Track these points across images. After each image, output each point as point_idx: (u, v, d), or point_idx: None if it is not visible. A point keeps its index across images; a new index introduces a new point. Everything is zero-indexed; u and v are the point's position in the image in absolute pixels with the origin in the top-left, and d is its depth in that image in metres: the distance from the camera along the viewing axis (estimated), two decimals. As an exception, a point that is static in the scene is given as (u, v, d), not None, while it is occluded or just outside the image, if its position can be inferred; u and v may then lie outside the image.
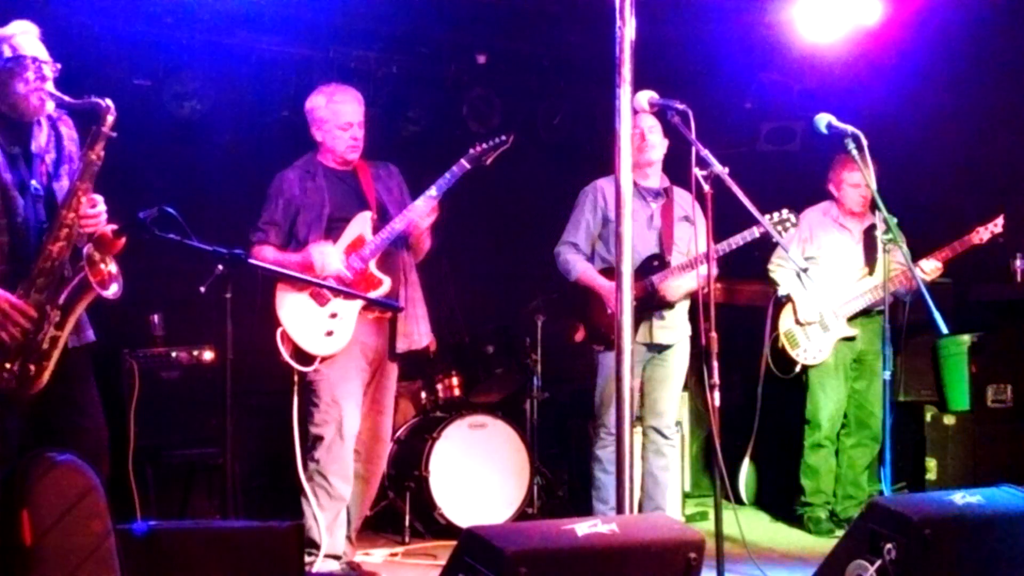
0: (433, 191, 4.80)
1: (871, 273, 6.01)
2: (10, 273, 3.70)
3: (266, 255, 4.82)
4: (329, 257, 4.75)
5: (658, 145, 5.40)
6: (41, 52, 3.80)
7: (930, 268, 5.70)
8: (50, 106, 3.81)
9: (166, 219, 3.78)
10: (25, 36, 3.80)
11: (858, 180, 5.98)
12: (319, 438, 4.81)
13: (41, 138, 3.87)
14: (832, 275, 6.01)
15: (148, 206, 3.95)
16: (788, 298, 6.08)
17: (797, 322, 6.04)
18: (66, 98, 3.76)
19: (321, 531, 4.75)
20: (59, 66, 3.81)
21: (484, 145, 4.86)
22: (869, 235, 6.06)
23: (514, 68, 7.04)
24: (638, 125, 5.35)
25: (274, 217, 4.90)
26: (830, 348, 6.01)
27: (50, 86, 3.76)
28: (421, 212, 4.81)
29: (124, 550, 3.01)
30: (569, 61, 6.93)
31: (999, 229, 5.73)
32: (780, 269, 6.14)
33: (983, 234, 5.75)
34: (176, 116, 6.22)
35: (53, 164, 3.87)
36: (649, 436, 5.56)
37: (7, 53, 3.76)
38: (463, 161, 4.83)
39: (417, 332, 5.01)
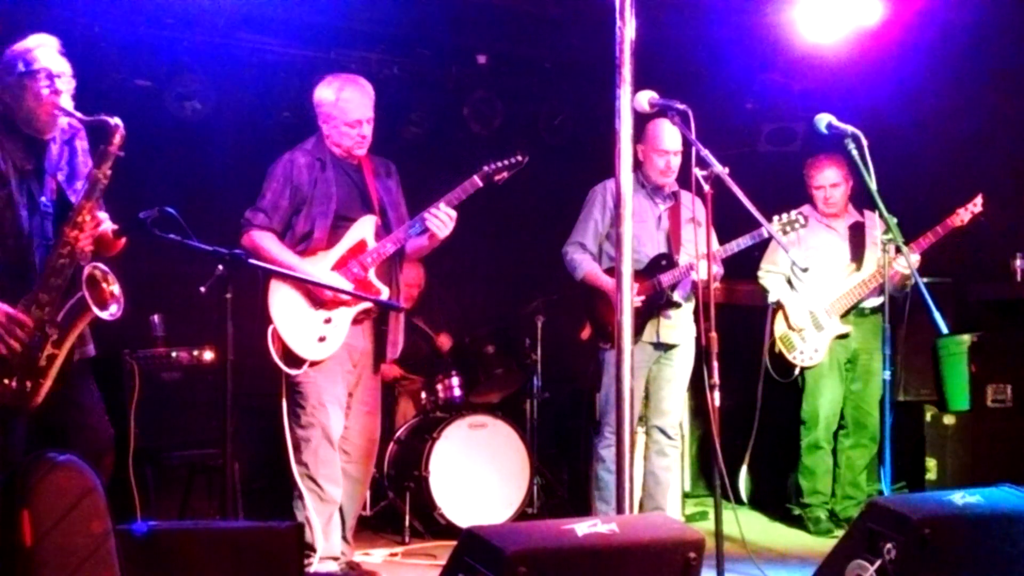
0: (442, 206, 4.71)
1: (858, 269, 6.03)
2: (14, 289, 3.71)
3: (267, 245, 4.70)
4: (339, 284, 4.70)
5: (678, 167, 5.44)
6: (57, 66, 3.79)
7: (912, 260, 5.66)
8: (63, 121, 3.81)
9: (167, 220, 3.79)
10: (42, 50, 3.79)
11: (821, 183, 6.03)
12: (305, 441, 4.75)
13: (55, 155, 3.87)
14: (821, 274, 6.02)
15: (149, 207, 3.96)
16: (779, 304, 6.10)
17: (790, 327, 6.05)
18: (77, 114, 3.77)
19: (316, 534, 4.73)
20: (74, 82, 3.81)
21: (498, 164, 4.78)
22: (855, 231, 6.09)
23: (515, 70, 7.05)
24: (665, 151, 5.37)
25: (279, 202, 4.76)
26: (825, 347, 6.02)
27: (64, 101, 3.76)
28: (442, 226, 4.72)
29: (124, 550, 3.01)
30: (570, 63, 6.94)
31: (979, 209, 5.71)
32: (769, 275, 6.16)
33: (963, 215, 5.72)
34: (177, 117, 6.23)
35: (66, 179, 3.87)
36: (652, 435, 5.56)
37: (21, 67, 3.76)
38: (476, 179, 4.75)
39: (400, 340, 4.99)
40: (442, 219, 4.71)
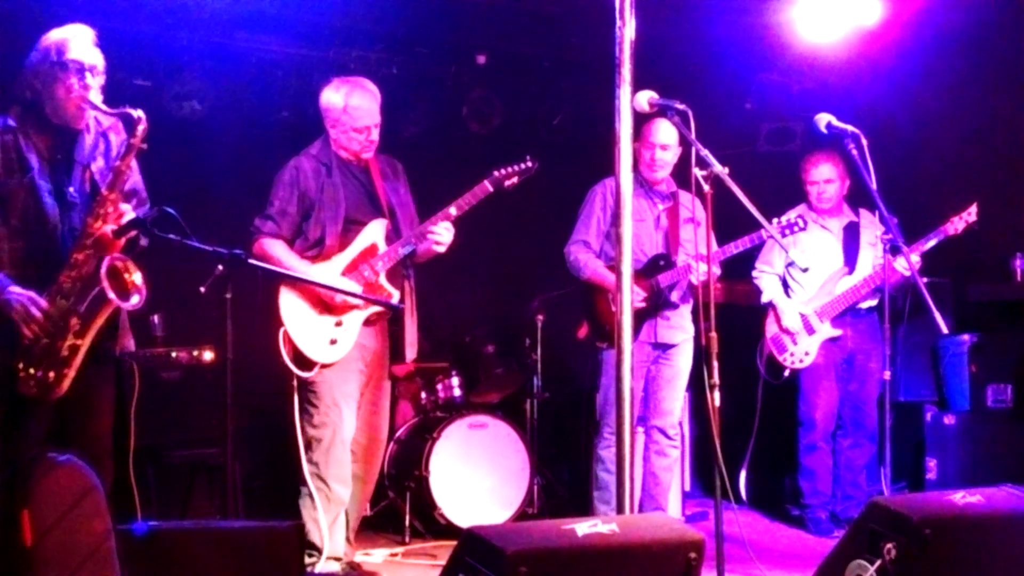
0: (453, 210, 4.73)
1: (851, 271, 6.02)
2: (41, 277, 3.72)
3: (277, 252, 4.73)
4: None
5: (669, 163, 5.43)
6: (89, 58, 3.79)
7: (913, 260, 5.63)
8: (90, 114, 3.81)
9: (166, 219, 3.79)
10: (76, 41, 3.80)
11: (816, 178, 6.03)
12: (317, 440, 4.76)
13: (87, 146, 3.87)
14: (815, 276, 6.02)
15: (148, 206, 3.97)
16: (771, 305, 6.09)
17: (781, 329, 6.04)
18: (101, 107, 3.77)
19: (323, 534, 4.74)
20: (104, 76, 3.82)
21: (508, 170, 4.80)
22: (849, 232, 6.08)
23: (514, 69, 7.04)
24: (652, 144, 5.38)
25: (287, 208, 4.78)
26: (816, 350, 6.01)
27: (93, 95, 3.76)
28: (444, 235, 4.74)
29: (125, 550, 3.01)
30: (569, 62, 6.93)
31: (973, 218, 5.69)
32: (764, 276, 6.15)
33: (958, 224, 5.71)
34: (176, 116, 6.22)
35: (100, 173, 3.87)
36: (652, 436, 5.57)
37: (53, 56, 3.77)
38: (486, 184, 4.77)
39: (416, 341, 5.00)
40: (441, 234, 4.74)
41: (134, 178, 3.99)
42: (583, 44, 6.55)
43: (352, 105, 4.79)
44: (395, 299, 4.77)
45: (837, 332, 5.99)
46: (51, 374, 3.68)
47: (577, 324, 5.68)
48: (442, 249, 4.79)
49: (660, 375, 5.51)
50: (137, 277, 3.74)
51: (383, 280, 4.78)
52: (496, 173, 4.80)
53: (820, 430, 6.09)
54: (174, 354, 5.56)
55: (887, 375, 4.87)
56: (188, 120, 6.25)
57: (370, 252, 4.79)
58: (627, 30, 3.87)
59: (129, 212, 3.79)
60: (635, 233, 5.25)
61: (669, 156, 5.42)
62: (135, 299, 3.74)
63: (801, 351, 6.02)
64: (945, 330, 4.77)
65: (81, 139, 3.86)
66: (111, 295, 3.67)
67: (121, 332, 3.96)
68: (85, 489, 2.98)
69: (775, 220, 5.25)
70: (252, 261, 4.11)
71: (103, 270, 3.67)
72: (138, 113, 3.72)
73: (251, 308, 4.61)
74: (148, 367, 5.42)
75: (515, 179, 4.82)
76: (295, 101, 6.40)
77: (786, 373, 6.06)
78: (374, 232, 4.82)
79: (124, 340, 3.99)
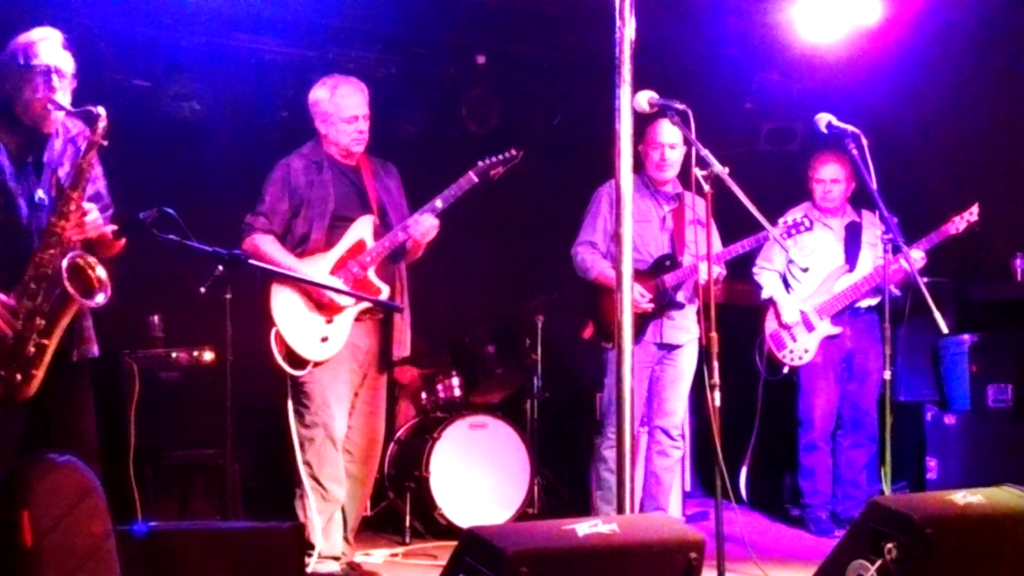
0: (439, 203, 4.74)
1: (851, 270, 6.02)
2: (10, 279, 3.70)
3: (268, 248, 4.73)
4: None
5: (677, 162, 5.43)
6: (58, 60, 3.77)
7: (916, 256, 5.62)
8: (59, 116, 3.80)
9: (166, 220, 3.78)
10: (45, 43, 3.78)
11: (822, 176, 6.03)
12: (309, 440, 4.76)
13: (56, 149, 3.86)
14: (815, 274, 6.01)
15: (147, 207, 3.96)
16: (771, 300, 6.09)
17: (781, 324, 6.04)
18: (65, 107, 3.76)
19: (316, 533, 4.73)
20: (75, 81, 3.80)
21: (493, 159, 4.81)
22: (851, 231, 6.08)
23: (513, 69, 7.04)
24: (660, 144, 5.38)
25: (277, 205, 4.79)
26: (815, 348, 6.01)
27: (59, 97, 3.75)
28: (427, 226, 4.76)
29: (124, 551, 3.01)
30: (568, 62, 6.92)
31: (975, 218, 5.69)
32: (764, 272, 6.15)
33: (959, 224, 5.71)
34: (175, 117, 6.22)
35: (67, 176, 3.86)
36: (655, 436, 5.57)
37: (20, 60, 3.76)
38: (471, 174, 4.78)
39: (407, 339, 5.00)
40: (422, 222, 4.75)
41: (99, 183, 3.97)
42: (582, 44, 6.54)
43: (339, 94, 4.81)
44: (384, 293, 4.77)
45: (836, 330, 5.99)
46: (18, 375, 3.64)
47: (578, 324, 5.67)
48: (430, 237, 4.78)
49: (664, 375, 5.51)
50: (101, 273, 3.70)
51: (371, 276, 4.77)
52: (481, 163, 4.81)
53: (819, 429, 6.09)
54: (174, 354, 5.57)
55: (887, 375, 4.86)
56: (187, 121, 6.25)
57: (358, 249, 4.79)
58: (627, 30, 3.87)
59: (93, 211, 3.77)
60: (640, 234, 5.26)
61: (676, 155, 5.41)
62: (100, 297, 3.70)
63: (800, 348, 6.02)
64: (946, 330, 4.76)
65: (50, 143, 3.85)
66: (73, 293, 3.64)
67: (84, 338, 3.91)
68: (85, 490, 2.98)
69: (781, 220, 5.25)
70: (252, 262, 4.11)
71: (64, 269, 3.64)
72: (99, 110, 3.70)
73: (250, 309, 4.61)
74: (148, 368, 5.43)
75: (500, 169, 4.82)
76: (294, 102, 6.38)
77: (785, 370, 6.06)
78: (362, 229, 4.81)
79: (86, 345, 3.94)
